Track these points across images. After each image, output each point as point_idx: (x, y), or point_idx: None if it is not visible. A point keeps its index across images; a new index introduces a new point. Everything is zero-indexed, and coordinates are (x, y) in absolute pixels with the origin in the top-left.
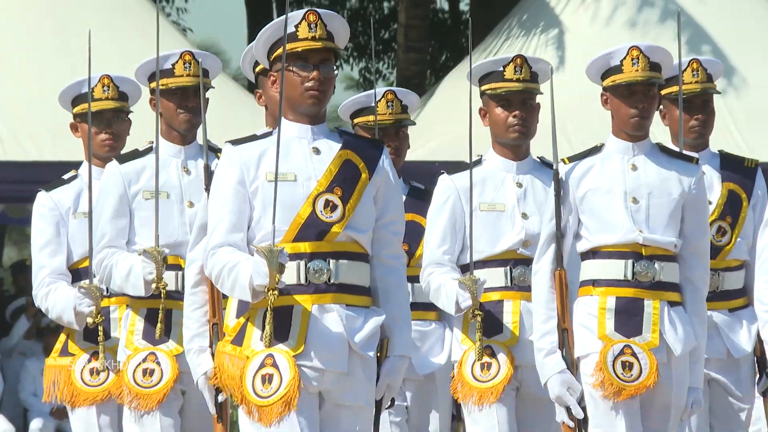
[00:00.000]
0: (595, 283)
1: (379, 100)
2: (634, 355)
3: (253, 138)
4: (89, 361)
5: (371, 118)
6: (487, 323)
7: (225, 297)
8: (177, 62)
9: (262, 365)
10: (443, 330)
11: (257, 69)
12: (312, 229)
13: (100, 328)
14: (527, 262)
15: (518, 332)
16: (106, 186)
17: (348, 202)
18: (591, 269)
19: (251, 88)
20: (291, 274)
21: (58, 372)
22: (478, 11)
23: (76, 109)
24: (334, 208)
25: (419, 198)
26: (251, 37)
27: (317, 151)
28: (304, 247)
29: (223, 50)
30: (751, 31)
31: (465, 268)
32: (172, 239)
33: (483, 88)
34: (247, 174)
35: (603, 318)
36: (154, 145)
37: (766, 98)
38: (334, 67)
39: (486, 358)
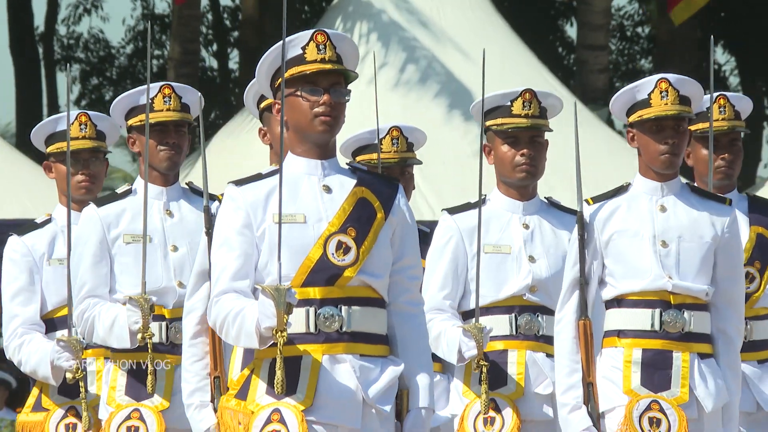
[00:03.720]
0: (620, 333)
1: (384, 137)
2: (662, 411)
3: (258, 177)
4: (64, 416)
5: (375, 156)
6: (491, 374)
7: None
8: (156, 96)
9: (269, 421)
10: (447, 382)
11: (261, 105)
12: (323, 273)
13: (81, 384)
14: (534, 309)
15: (524, 384)
16: (85, 231)
17: (362, 244)
18: (616, 319)
19: (20, 145)
20: (299, 322)
21: (31, 428)
22: (246, 70)
23: (50, 149)
24: (347, 250)
25: (424, 242)
26: (19, 99)
27: (328, 189)
28: (314, 292)
29: None
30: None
31: (466, 315)
32: (157, 285)
33: (488, 123)
34: (254, 217)
35: (629, 372)
36: (134, 187)
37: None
38: (346, 93)
39: (490, 413)
